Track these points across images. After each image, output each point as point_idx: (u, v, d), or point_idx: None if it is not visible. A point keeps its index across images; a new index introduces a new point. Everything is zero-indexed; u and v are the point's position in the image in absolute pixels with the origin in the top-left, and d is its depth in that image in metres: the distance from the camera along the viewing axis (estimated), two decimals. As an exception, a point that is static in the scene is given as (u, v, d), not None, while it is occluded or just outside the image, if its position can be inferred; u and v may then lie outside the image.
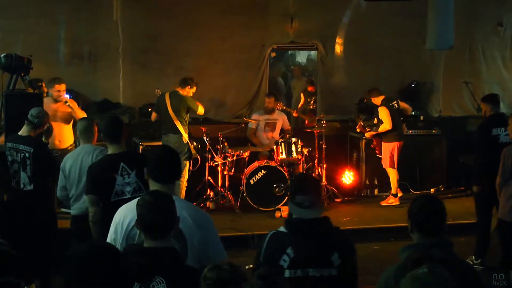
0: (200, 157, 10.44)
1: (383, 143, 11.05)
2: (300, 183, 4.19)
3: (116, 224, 4.18)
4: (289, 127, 11.69)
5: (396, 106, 11.10)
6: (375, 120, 11.28)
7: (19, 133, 7.23)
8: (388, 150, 10.96)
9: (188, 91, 10.21)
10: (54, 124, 8.55)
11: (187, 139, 10.09)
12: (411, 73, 12.60)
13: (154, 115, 10.50)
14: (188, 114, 10.34)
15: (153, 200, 3.60)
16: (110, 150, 5.91)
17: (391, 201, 11.10)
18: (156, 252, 3.52)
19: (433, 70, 12.78)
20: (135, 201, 4.22)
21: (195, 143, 10.33)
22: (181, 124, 10.10)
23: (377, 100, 11.01)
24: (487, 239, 8.30)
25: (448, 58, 12.50)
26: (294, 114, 12.00)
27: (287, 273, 3.88)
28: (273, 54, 13.29)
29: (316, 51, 12.74)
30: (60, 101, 9.36)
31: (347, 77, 12.53)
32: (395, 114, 11.00)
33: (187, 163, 10.16)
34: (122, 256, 2.89)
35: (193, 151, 10.15)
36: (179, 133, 10.07)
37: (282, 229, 4.03)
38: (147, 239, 3.59)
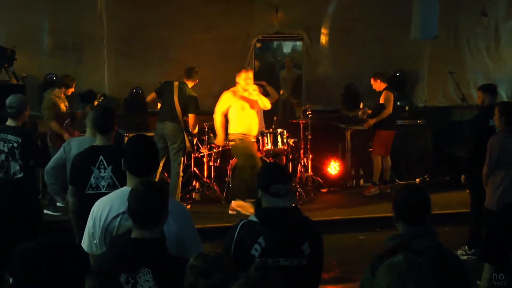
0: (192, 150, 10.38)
1: (379, 131, 11.04)
2: (274, 172, 4.14)
3: (94, 217, 4.12)
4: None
5: (395, 95, 11.15)
6: (361, 105, 11.31)
7: (7, 123, 7.20)
8: (383, 138, 10.98)
9: (195, 81, 10.24)
10: (245, 112, 9.69)
11: (183, 130, 10.04)
12: (396, 63, 12.59)
13: (152, 96, 10.44)
14: None
15: (143, 190, 3.58)
16: (97, 141, 5.88)
17: (372, 190, 11.14)
18: (143, 243, 3.52)
19: (418, 60, 12.80)
20: (112, 194, 4.21)
21: (190, 137, 10.28)
22: (182, 115, 10.04)
23: (380, 85, 11.00)
24: (480, 229, 8.24)
25: (433, 48, 12.53)
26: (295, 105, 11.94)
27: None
28: (258, 45, 13.25)
29: (302, 42, 12.72)
30: (247, 89, 9.82)
31: (333, 68, 12.52)
32: (395, 103, 11.05)
33: (181, 158, 10.06)
34: (75, 252, 2.82)
35: (188, 144, 10.08)
36: (178, 122, 9.98)
37: (253, 218, 4.02)
38: (135, 229, 3.59)
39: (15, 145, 7.08)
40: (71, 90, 9.88)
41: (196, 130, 10.26)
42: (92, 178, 5.61)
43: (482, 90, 8.80)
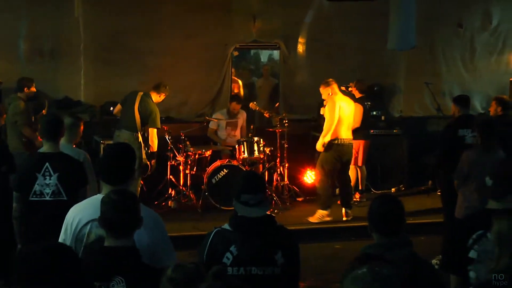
0: (150, 163, 9.98)
1: None
2: (246, 181, 4.13)
3: (66, 224, 4.13)
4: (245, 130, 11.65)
5: (369, 106, 11.19)
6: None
7: None
8: (354, 148, 11.02)
9: (161, 96, 10.03)
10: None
11: (140, 140, 9.80)
12: (373, 73, 12.66)
13: (118, 108, 10.17)
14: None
15: (116, 198, 3.58)
16: (43, 148, 5.86)
17: None
18: (117, 252, 3.50)
19: (394, 71, 12.89)
20: (85, 202, 4.22)
21: (146, 148, 9.93)
22: (142, 125, 9.83)
23: (358, 94, 11.06)
24: None
25: (409, 58, 12.60)
26: (266, 115, 11.82)
27: (229, 271, 3.86)
28: (236, 53, 13.26)
29: (279, 51, 12.76)
30: None
31: (310, 77, 12.54)
32: (366, 114, 11.09)
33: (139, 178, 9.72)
34: (76, 256, 2.87)
35: (143, 157, 9.81)
36: (134, 131, 9.73)
37: (226, 226, 4.02)
38: (108, 237, 3.58)
39: None
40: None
41: (155, 147, 9.90)
42: (36, 185, 5.60)
43: (454, 102, 8.91)
